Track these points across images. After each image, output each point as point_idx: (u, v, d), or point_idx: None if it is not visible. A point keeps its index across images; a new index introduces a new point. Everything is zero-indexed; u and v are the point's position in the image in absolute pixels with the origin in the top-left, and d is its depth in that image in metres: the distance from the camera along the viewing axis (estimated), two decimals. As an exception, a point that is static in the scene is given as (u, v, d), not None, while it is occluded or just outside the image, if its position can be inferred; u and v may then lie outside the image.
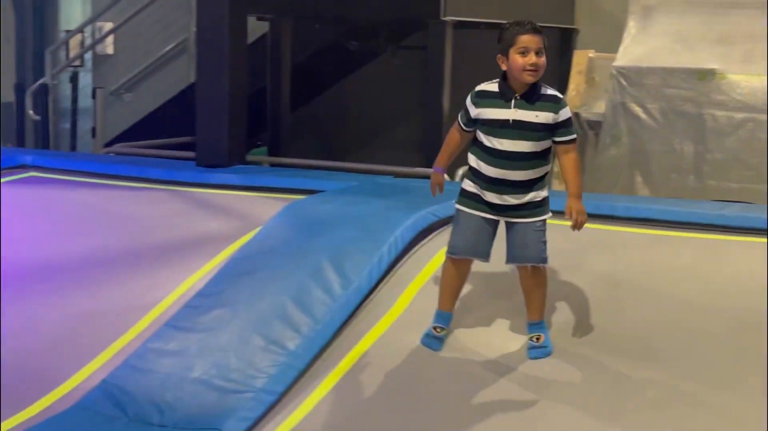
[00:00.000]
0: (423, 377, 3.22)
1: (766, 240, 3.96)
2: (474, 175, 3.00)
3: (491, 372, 3.29)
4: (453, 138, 3.07)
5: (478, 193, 2.95)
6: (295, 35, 6.88)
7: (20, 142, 8.53)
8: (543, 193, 2.95)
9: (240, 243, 4.13)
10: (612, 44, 6.41)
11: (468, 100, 2.94)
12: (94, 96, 7.87)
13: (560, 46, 7.18)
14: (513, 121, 2.81)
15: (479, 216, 2.99)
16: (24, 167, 5.62)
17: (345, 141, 6.95)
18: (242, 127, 5.78)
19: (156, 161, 6.09)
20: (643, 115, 5.81)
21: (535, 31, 2.85)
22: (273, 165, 6.28)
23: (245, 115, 5.78)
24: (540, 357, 3.06)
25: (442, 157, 3.10)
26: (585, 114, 6.38)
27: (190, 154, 5.85)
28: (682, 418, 2.86)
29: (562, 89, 6.49)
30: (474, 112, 2.89)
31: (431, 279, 3.79)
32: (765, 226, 4.05)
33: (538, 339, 3.05)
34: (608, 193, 5.57)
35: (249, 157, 6.12)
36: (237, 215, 4.72)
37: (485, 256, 3.06)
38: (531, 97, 2.82)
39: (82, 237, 4.58)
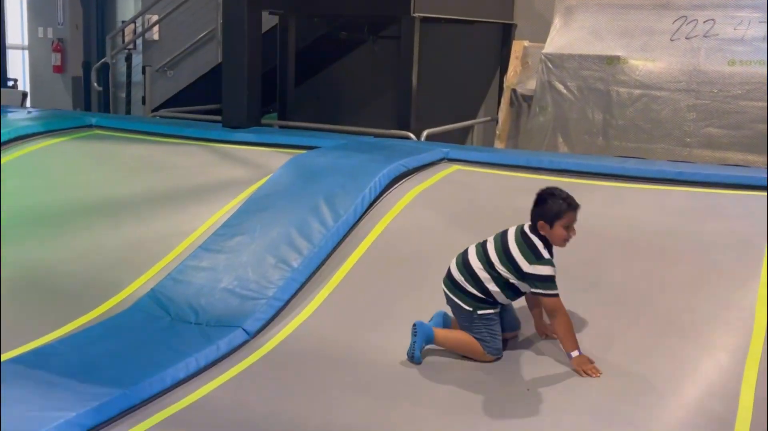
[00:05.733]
0: (390, 284, 3.43)
1: (657, 187, 4.17)
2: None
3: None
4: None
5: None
6: (298, 27, 7.00)
7: (87, 108, 8.78)
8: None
9: (256, 187, 4.26)
10: (541, 36, 6.58)
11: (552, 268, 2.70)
12: (143, 72, 8.34)
13: (502, 37, 7.45)
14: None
15: None
16: (90, 127, 5.83)
17: (336, 108, 6.95)
18: (258, 97, 5.96)
19: (191, 123, 6.24)
20: (564, 91, 6.00)
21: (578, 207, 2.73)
22: (281, 127, 6.44)
23: (260, 88, 5.96)
24: None
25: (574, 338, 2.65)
26: (520, 90, 6.45)
27: (218, 117, 6.03)
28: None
29: (504, 71, 6.73)
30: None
31: (399, 214, 3.96)
32: (656, 176, 4.30)
33: None
34: (537, 151, 5.70)
35: (263, 121, 6.32)
36: (253, 165, 4.88)
37: None
38: None
39: (134, 181, 4.78)
